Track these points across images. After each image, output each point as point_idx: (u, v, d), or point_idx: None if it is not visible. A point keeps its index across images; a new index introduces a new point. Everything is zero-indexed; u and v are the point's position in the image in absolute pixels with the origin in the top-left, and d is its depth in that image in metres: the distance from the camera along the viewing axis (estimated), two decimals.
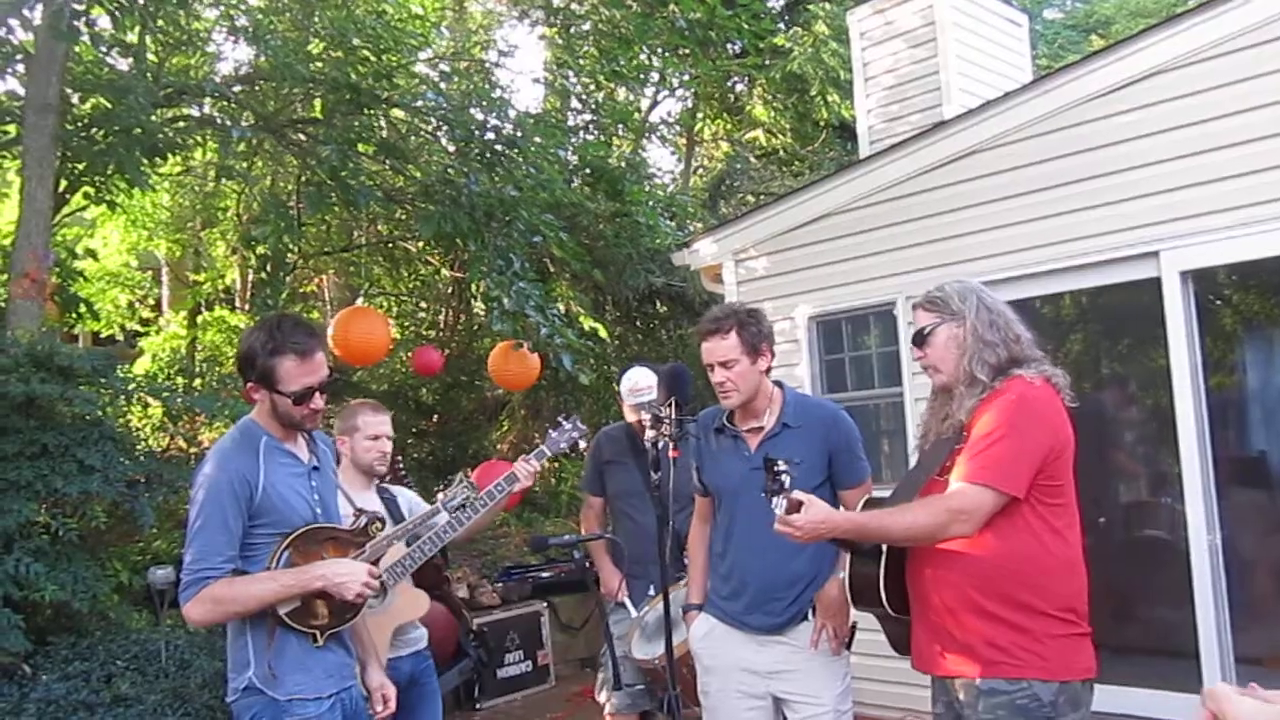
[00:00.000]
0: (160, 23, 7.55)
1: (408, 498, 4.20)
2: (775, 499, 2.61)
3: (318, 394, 2.89)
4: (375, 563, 3.01)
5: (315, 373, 2.88)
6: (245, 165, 9.22)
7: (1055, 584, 2.65)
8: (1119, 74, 5.18)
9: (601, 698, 4.54)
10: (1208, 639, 4.76)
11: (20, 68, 6.78)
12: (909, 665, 2.90)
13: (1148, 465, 5.57)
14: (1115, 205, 5.13)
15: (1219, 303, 5.29)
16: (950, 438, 2.78)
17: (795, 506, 2.61)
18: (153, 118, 6.78)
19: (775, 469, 2.60)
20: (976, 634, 2.66)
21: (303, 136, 8.23)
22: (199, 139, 8.36)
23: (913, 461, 3.03)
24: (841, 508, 3.23)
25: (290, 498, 2.88)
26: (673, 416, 3.22)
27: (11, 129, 7.14)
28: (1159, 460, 5.35)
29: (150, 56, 7.81)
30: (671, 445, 3.25)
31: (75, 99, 7.22)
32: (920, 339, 2.88)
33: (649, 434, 3.29)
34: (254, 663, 2.79)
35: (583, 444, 3.93)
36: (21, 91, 6.79)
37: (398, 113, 8.28)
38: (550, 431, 4.07)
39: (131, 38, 7.52)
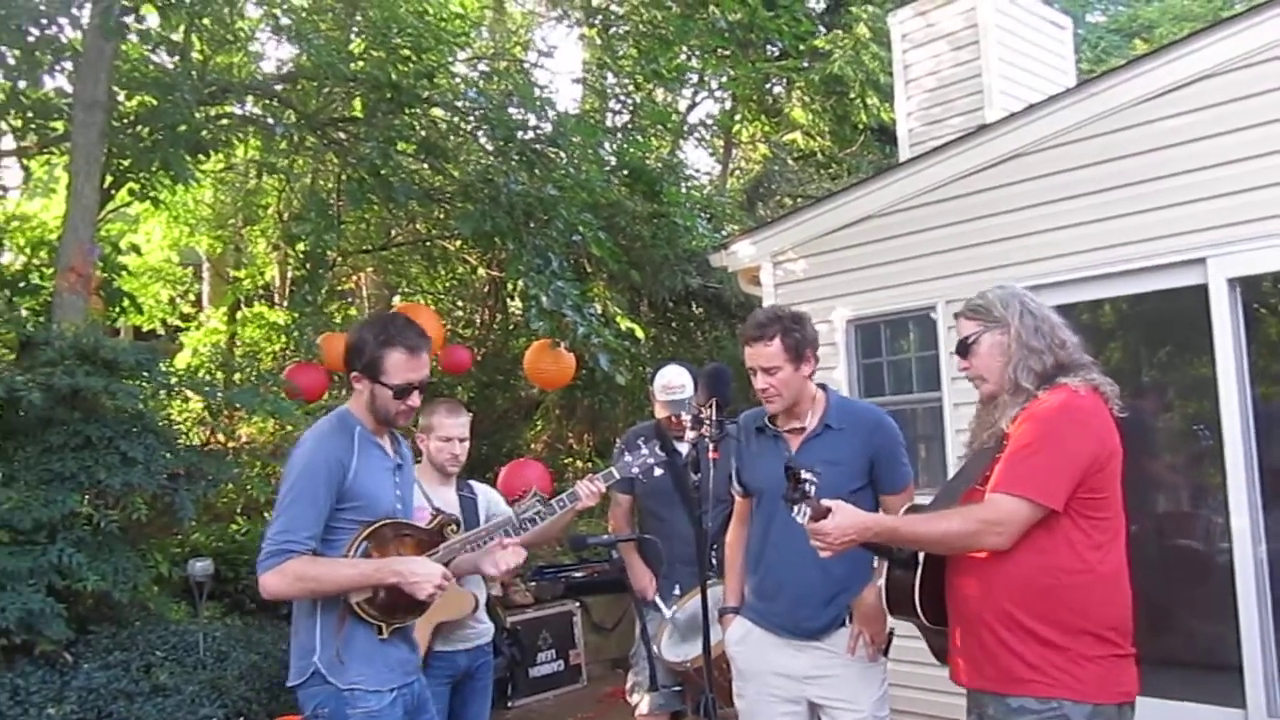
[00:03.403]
0: (206, 21, 7.63)
1: (488, 497, 4.21)
2: (797, 507, 2.57)
3: (417, 392, 2.99)
4: (447, 564, 3.06)
5: (419, 370, 2.98)
6: (287, 163, 9.31)
7: (1096, 601, 2.57)
8: (1166, 78, 5.10)
9: (633, 700, 4.53)
10: (1251, 652, 4.67)
11: (69, 65, 6.87)
12: (947, 675, 2.87)
13: (1191, 476, 5.49)
14: (1161, 211, 5.05)
15: (1265, 311, 5.21)
16: (992, 447, 2.73)
17: (823, 513, 2.57)
18: (197, 115, 6.86)
19: (799, 477, 2.55)
20: (1010, 649, 2.60)
21: (343, 135, 8.29)
22: (241, 136, 8.44)
23: (957, 467, 3.00)
24: (882, 512, 3.21)
25: (376, 488, 2.97)
26: (713, 418, 3.21)
27: (60, 126, 7.25)
28: (1203, 471, 5.27)
29: (195, 54, 7.89)
30: (712, 446, 3.24)
31: (122, 96, 7.32)
32: (964, 349, 2.82)
33: (689, 434, 3.28)
34: (320, 648, 2.87)
35: (658, 471, 3.71)
36: (70, 89, 6.90)
37: (437, 111, 8.32)
38: (624, 454, 3.78)
39: (177, 36, 7.61)
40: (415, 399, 3.00)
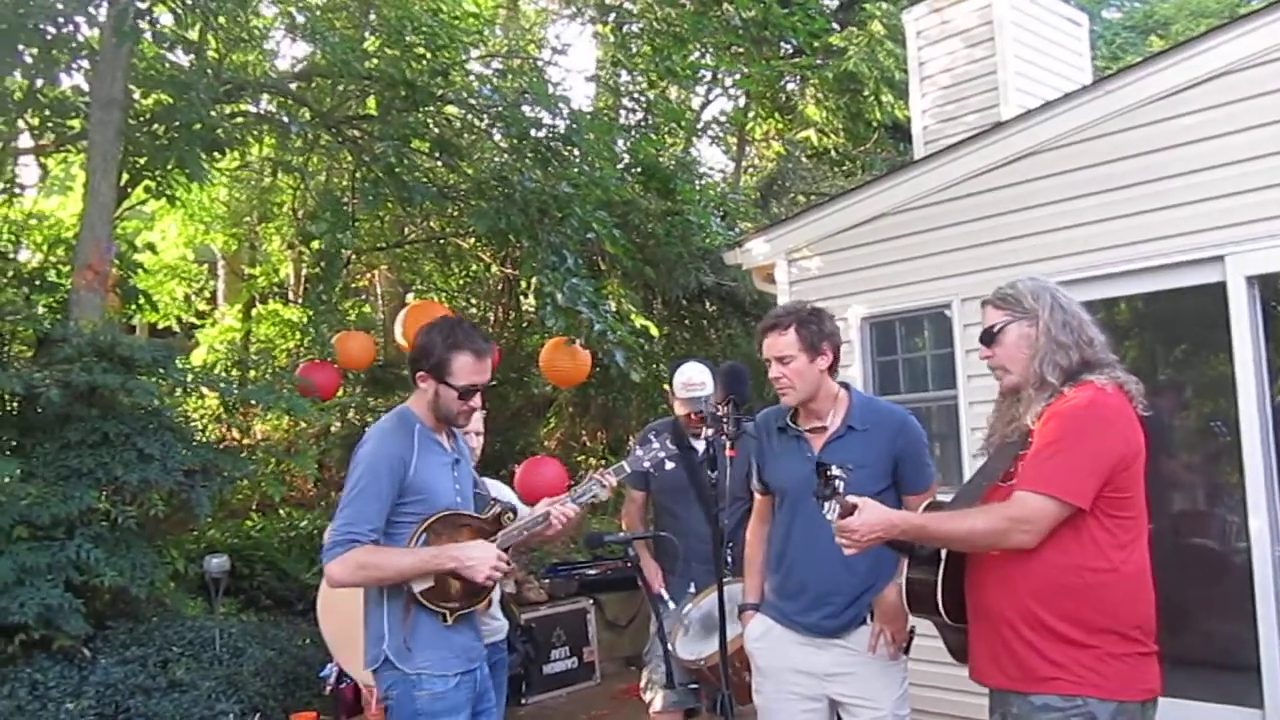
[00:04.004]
0: (221, 20, 7.66)
1: (499, 493, 4.22)
2: (827, 504, 2.57)
3: (479, 394, 3.15)
4: (505, 551, 3.15)
5: (483, 374, 3.15)
6: (301, 160, 9.34)
7: (1120, 600, 2.56)
8: (1184, 75, 5.07)
9: (647, 697, 4.53)
10: (1269, 652, 4.65)
11: (86, 64, 6.91)
12: (968, 674, 2.85)
13: (1209, 475, 5.46)
14: (1179, 208, 5.02)
15: None
16: (1015, 442, 2.70)
17: (849, 510, 2.57)
18: (212, 113, 6.89)
19: (828, 474, 2.55)
20: (1033, 648, 2.59)
21: (358, 133, 8.32)
22: (256, 134, 8.47)
23: (973, 466, 2.98)
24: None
25: (436, 483, 3.11)
26: (730, 415, 3.21)
27: (77, 124, 7.29)
28: (1221, 470, 5.24)
29: (211, 53, 7.92)
30: (728, 444, 3.24)
31: (138, 94, 7.35)
32: (989, 337, 2.78)
33: (707, 432, 3.28)
34: (389, 635, 3.01)
35: (669, 464, 3.65)
36: (87, 87, 6.93)
37: (452, 109, 8.33)
38: (636, 448, 3.72)
39: (193, 35, 7.65)
40: (477, 400, 3.15)
